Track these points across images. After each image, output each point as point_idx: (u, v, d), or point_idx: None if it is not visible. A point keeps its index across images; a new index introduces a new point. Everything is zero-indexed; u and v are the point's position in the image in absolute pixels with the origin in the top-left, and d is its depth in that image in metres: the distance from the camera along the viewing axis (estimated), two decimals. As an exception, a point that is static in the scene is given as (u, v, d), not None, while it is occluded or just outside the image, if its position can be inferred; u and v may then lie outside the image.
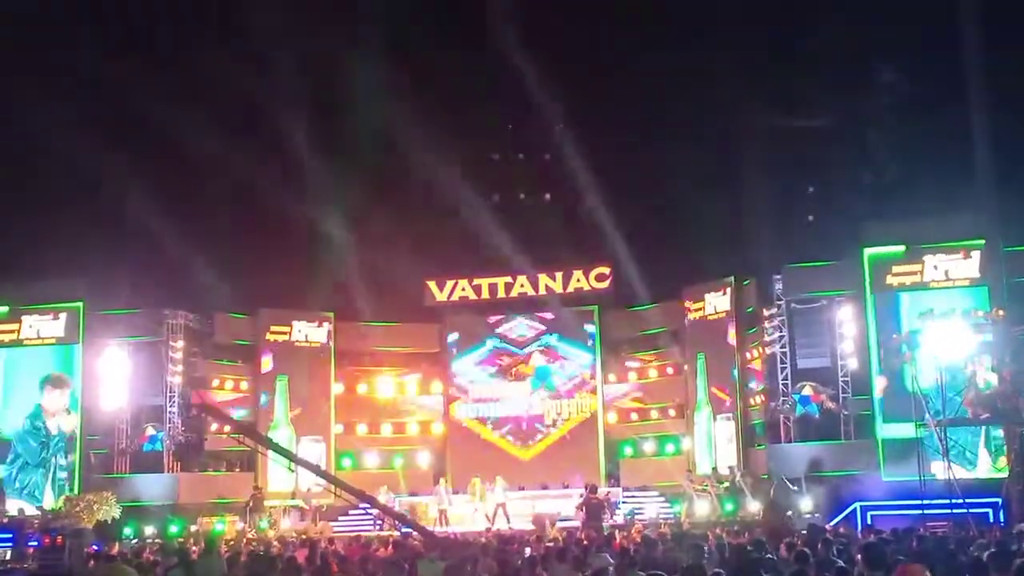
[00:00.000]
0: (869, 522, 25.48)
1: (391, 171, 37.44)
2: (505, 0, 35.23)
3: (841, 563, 11.93)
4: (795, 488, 28.43)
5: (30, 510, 31.72)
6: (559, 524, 29.31)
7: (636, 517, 31.22)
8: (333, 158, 35.85)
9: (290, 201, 35.51)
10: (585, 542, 20.20)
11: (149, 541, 28.07)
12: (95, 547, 25.52)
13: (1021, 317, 27.70)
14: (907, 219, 30.79)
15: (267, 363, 37.38)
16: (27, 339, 34.33)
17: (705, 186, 36.42)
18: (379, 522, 30.12)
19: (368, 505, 25.30)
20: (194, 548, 21.48)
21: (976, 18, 28.30)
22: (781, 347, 33.52)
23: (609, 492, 32.83)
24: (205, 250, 34.24)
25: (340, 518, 33.73)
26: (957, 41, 28.73)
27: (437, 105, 35.87)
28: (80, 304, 34.30)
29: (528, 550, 18.12)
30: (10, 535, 28.78)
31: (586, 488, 30.31)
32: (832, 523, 24.91)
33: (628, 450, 38.36)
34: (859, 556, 11.45)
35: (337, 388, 38.82)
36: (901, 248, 30.99)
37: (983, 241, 29.95)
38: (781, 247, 34.19)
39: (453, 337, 40.35)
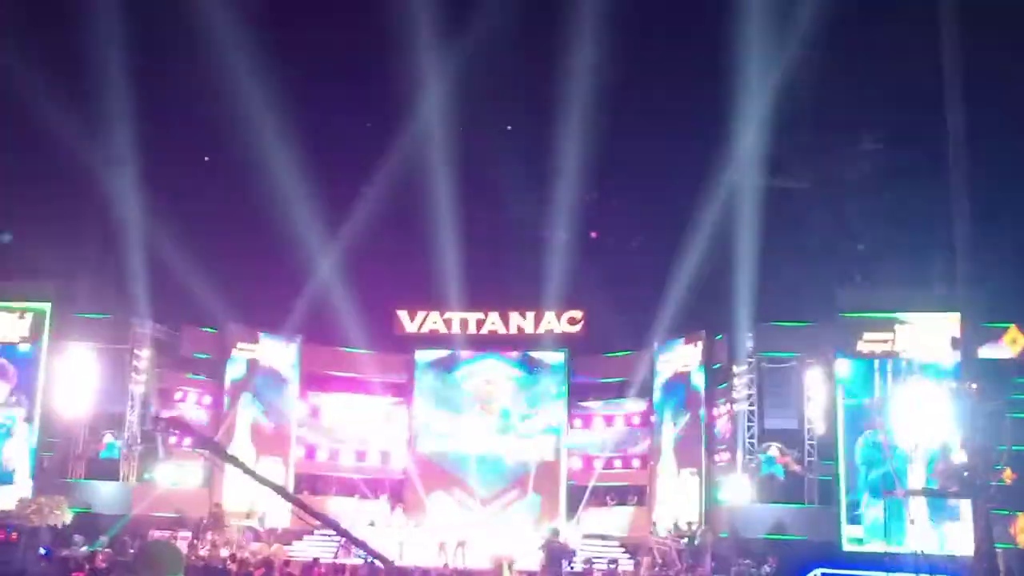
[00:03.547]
0: (830, 588, 25.40)
1: (373, 197, 37.26)
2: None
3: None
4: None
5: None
6: (516, 568, 29.05)
7: (594, 566, 30.98)
8: (313, 179, 35.66)
9: (266, 221, 35.29)
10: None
11: (100, 549, 27.57)
12: (44, 551, 25.15)
13: (991, 393, 27.74)
14: (883, 287, 30.90)
15: (231, 379, 36.96)
16: (-12, 336, 33.86)
17: (682, 238, 36.47)
18: (338, 550, 29.92)
19: (332, 530, 25.00)
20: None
21: (960, 86, 28.49)
22: (749, 405, 33.43)
23: (567, 540, 32.50)
24: (176, 262, 33.92)
25: (295, 542, 33.37)
26: (940, 111, 28.91)
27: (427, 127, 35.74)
28: (47, 306, 33.87)
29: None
30: (-38, 531, 28.24)
31: (548, 536, 30.13)
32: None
33: (590, 497, 38.09)
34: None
35: (300, 411, 38.42)
36: (875, 315, 31.11)
37: (958, 314, 30.08)
38: (755, 305, 34.18)
39: (420, 369, 40.03)
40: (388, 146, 35.43)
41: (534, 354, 39.48)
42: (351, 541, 25.88)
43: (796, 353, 32.88)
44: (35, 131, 32.63)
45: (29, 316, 33.87)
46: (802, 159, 36.34)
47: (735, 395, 33.98)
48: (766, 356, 33.26)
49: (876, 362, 30.74)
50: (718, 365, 35.29)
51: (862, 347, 30.99)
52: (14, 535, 24.46)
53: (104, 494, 33.10)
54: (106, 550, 27.29)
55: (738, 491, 33.01)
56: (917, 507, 27.23)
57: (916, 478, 27.52)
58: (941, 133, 28.68)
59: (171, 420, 29.10)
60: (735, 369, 34.12)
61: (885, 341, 30.89)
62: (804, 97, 33.97)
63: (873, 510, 28.92)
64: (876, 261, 32.55)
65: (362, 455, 39.19)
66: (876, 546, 27.29)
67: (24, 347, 33.77)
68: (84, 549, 27.08)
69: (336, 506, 34.74)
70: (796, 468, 32.31)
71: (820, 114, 34.78)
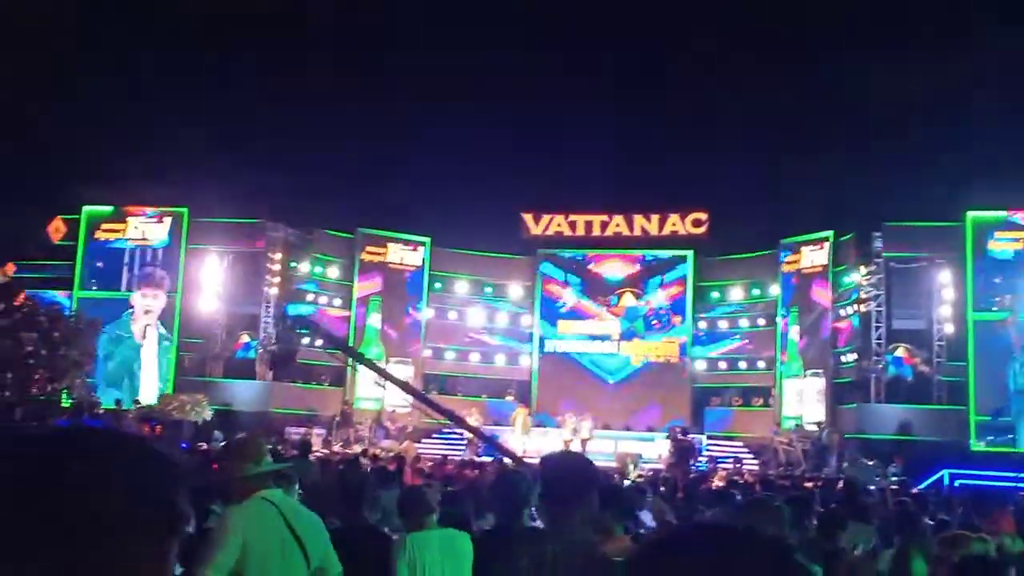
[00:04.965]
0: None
1: (502, 97, 37.37)
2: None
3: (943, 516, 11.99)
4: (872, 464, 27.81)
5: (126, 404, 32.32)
6: (642, 465, 29.36)
7: (719, 465, 31.18)
8: (443, 86, 35.88)
9: (395, 124, 35.67)
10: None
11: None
12: (183, 445, 26.15)
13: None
14: (1013, 185, 30.23)
15: (361, 283, 37.78)
16: (132, 239, 35.10)
17: (810, 138, 36.05)
18: (466, 448, 30.55)
19: (462, 428, 25.55)
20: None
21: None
22: (877, 306, 33.12)
23: (693, 438, 32.69)
24: (309, 167, 34.51)
25: (424, 440, 34.09)
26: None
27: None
28: (185, 209, 34.95)
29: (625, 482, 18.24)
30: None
31: (676, 430, 30.36)
32: (920, 487, 24.67)
33: (714, 398, 38.24)
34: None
35: (428, 313, 39.13)
36: (1003, 214, 30.61)
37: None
38: (883, 204, 33.75)
39: (545, 271, 40.37)
40: (516, 50, 35.45)
41: (659, 255, 39.46)
42: (480, 439, 26.50)
43: (925, 253, 32.40)
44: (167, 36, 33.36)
45: (168, 220, 34.97)
46: (931, 57, 35.55)
47: (862, 295, 33.66)
48: (894, 257, 32.84)
49: (1007, 262, 30.26)
50: (844, 266, 34.93)
51: (993, 246, 30.52)
52: (158, 428, 25.64)
53: (242, 392, 34.16)
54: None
55: (864, 391, 32.84)
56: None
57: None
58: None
59: (304, 321, 29.93)
60: (863, 269, 33.72)
61: (1017, 240, 30.37)
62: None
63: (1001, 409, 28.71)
64: (1006, 159, 31.81)
65: (488, 356, 39.80)
66: (1003, 447, 26.98)
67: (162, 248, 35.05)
68: (222, 445, 28.01)
69: (463, 406, 35.34)
70: (924, 369, 32.02)
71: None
